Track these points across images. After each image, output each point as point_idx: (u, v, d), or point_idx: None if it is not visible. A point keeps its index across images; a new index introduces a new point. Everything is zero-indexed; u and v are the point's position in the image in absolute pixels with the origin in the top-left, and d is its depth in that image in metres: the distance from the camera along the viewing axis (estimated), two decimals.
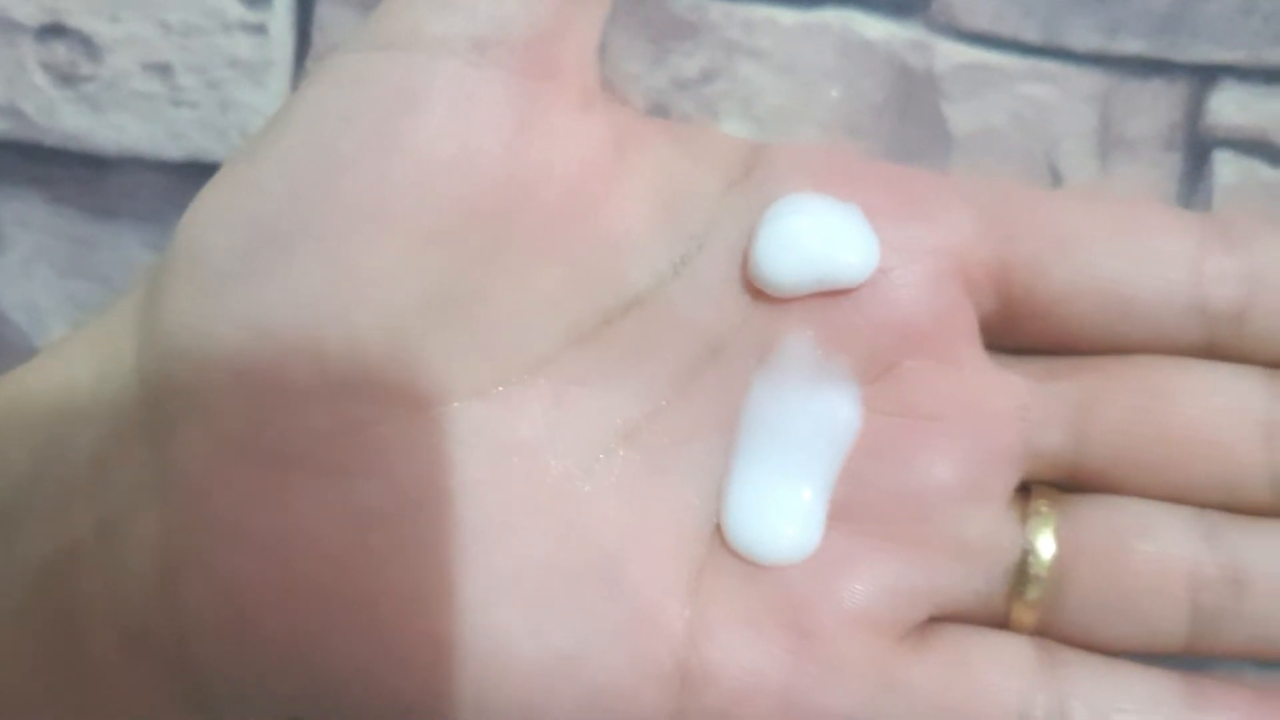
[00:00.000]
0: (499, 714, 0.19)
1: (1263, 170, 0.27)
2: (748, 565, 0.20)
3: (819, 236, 0.20)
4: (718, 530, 0.21)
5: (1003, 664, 0.20)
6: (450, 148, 0.19)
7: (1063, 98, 0.26)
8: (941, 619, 0.21)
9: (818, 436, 0.20)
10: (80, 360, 0.20)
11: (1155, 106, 0.27)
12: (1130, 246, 0.21)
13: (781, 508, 0.20)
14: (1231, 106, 0.27)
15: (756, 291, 0.20)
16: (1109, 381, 0.21)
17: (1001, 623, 0.21)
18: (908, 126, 0.27)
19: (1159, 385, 0.21)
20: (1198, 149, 0.27)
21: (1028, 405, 0.21)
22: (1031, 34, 0.26)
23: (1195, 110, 0.27)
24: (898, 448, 0.21)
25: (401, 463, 0.19)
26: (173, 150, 0.27)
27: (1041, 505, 0.21)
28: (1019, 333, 0.21)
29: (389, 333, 0.19)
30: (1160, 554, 0.20)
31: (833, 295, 0.20)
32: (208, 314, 0.19)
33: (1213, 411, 0.20)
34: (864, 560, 0.20)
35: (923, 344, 0.21)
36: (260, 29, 0.27)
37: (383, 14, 0.20)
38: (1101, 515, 0.21)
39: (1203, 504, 0.21)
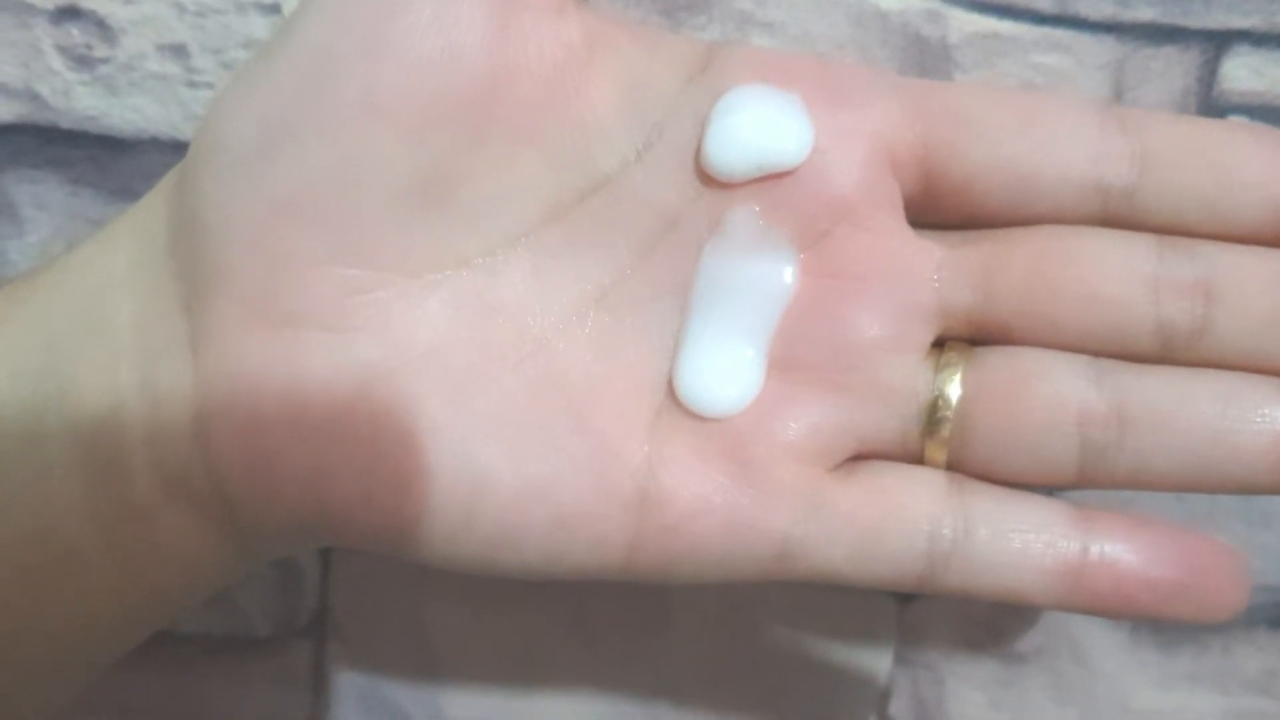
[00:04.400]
0: (484, 534, 0.22)
1: None
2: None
3: (760, 130, 0.22)
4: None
5: (917, 491, 0.23)
6: (435, 45, 0.21)
7: (1076, 66, 0.26)
8: (866, 456, 0.24)
9: (759, 296, 0.23)
10: (119, 243, 0.23)
11: (1168, 73, 0.27)
12: (1035, 130, 0.23)
13: (724, 371, 0.23)
14: (1245, 72, 0.27)
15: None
16: (1012, 246, 0.23)
17: (917, 459, 0.23)
18: None
19: (1057, 248, 0.23)
20: (1211, 115, 0.27)
21: (941, 268, 0.23)
22: (1044, 3, 0.26)
23: (1208, 77, 0.27)
24: (829, 305, 0.23)
25: (398, 322, 0.22)
26: (189, 131, 0.27)
27: (952, 356, 0.23)
28: (939, 209, 0.24)
29: (384, 209, 0.22)
30: (1054, 393, 0.22)
31: (775, 177, 0.23)
32: (229, 195, 0.21)
33: (1104, 270, 0.23)
34: (797, 403, 0.23)
35: (852, 215, 0.23)
36: (274, 9, 0.27)
37: None
38: (1004, 362, 0.23)
39: (1096, 353, 0.23)
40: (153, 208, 0.23)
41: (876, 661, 0.30)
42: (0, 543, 0.22)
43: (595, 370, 0.23)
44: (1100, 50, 0.26)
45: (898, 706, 0.30)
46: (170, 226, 0.22)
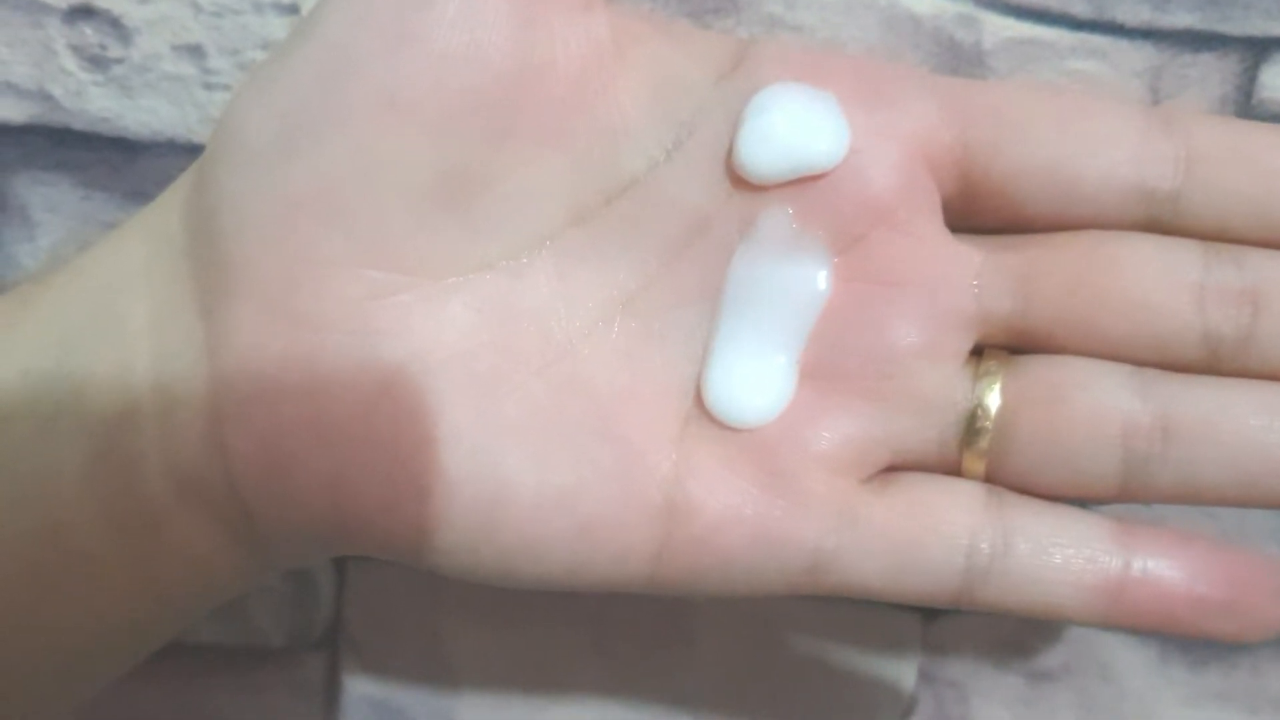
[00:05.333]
0: (505, 543, 0.22)
1: None
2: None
3: (794, 131, 0.22)
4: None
5: (955, 504, 0.22)
6: (460, 42, 0.21)
7: (1112, 72, 0.26)
8: (901, 467, 0.23)
9: (792, 302, 0.23)
10: (133, 243, 0.23)
11: (1206, 81, 0.26)
12: (1077, 131, 0.22)
13: (755, 380, 0.23)
14: None
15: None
16: (1054, 251, 0.23)
17: (954, 472, 0.23)
18: None
19: (1100, 254, 0.22)
20: None
21: (980, 273, 0.23)
22: (1080, 8, 0.26)
23: (1247, 84, 0.26)
24: (864, 311, 0.23)
25: (420, 325, 0.22)
26: (205, 134, 0.27)
27: (991, 365, 0.23)
28: (978, 213, 0.23)
29: (406, 209, 0.21)
30: (1096, 404, 0.22)
31: (809, 179, 0.22)
32: (248, 193, 0.21)
33: (1148, 277, 0.22)
34: (831, 412, 0.23)
35: (889, 218, 0.23)
36: (292, 9, 0.26)
37: None
38: (1045, 371, 0.23)
39: (1140, 362, 0.22)
40: (168, 207, 0.23)
41: (900, 678, 0.30)
42: (11, 542, 0.22)
43: (622, 377, 0.23)
44: (1137, 57, 0.26)
45: None
46: (186, 226, 0.22)
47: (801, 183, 0.22)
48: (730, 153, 0.22)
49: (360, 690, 0.30)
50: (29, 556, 0.22)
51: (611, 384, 0.22)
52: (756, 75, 0.23)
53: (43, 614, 0.22)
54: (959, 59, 0.26)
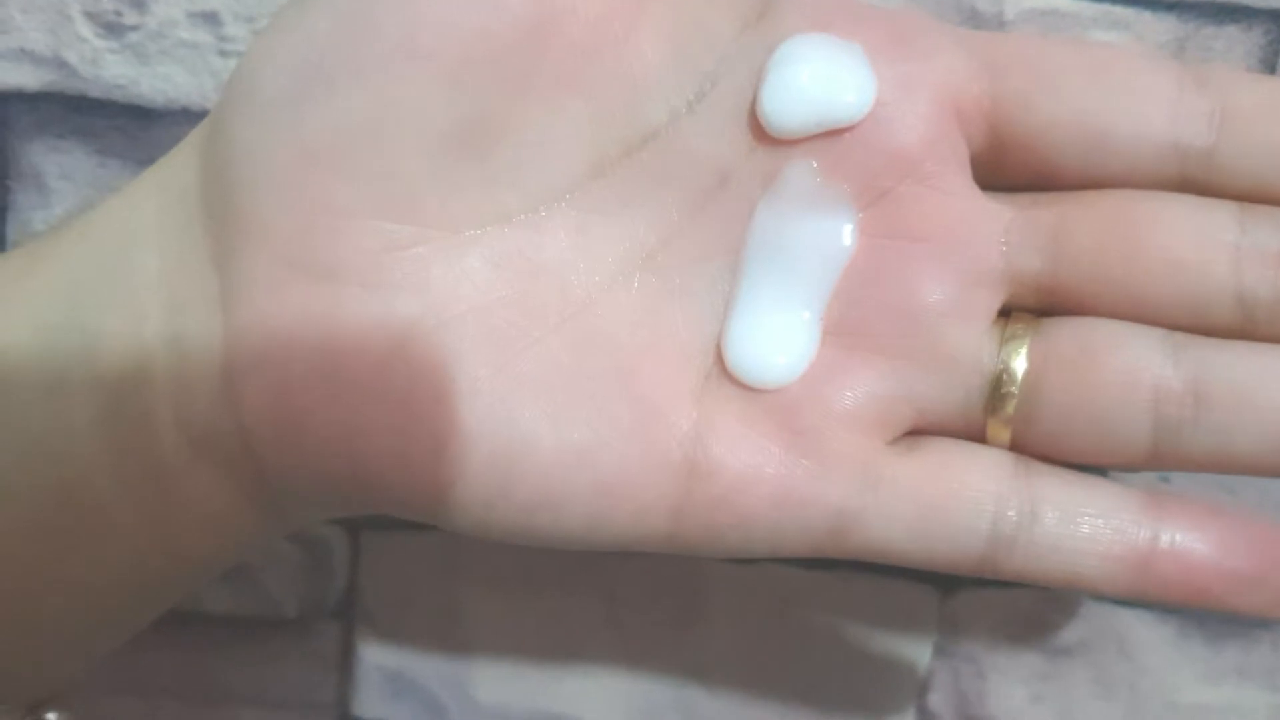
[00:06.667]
0: (523, 500, 0.22)
1: None
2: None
3: (819, 82, 0.22)
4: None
5: (982, 469, 0.22)
6: None
7: (1136, 44, 0.26)
8: (926, 430, 0.23)
9: (816, 257, 0.22)
10: (146, 196, 0.22)
11: (1230, 53, 0.26)
12: (1110, 85, 0.22)
13: (777, 338, 0.22)
14: None
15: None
16: (1085, 209, 0.22)
17: (979, 436, 0.23)
18: None
19: (1132, 212, 0.22)
20: None
21: (1009, 230, 0.22)
22: None
23: (1271, 58, 0.26)
24: (889, 267, 0.22)
25: (437, 279, 0.21)
26: None
27: (1018, 328, 0.23)
28: (1006, 168, 0.23)
29: (423, 159, 0.21)
30: (1127, 367, 0.22)
31: (834, 131, 0.22)
32: (262, 143, 0.21)
33: (1182, 236, 0.22)
34: (854, 370, 0.22)
35: (916, 171, 0.22)
36: None
37: None
38: (1074, 333, 0.22)
39: (1172, 325, 0.22)
40: (182, 160, 0.22)
41: (916, 653, 0.30)
42: (22, 499, 0.22)
43: (642, 333, 0.22)
44: (1161, 28, 0.26)
45: (937, 699, 0.30)
46: (201, 178, 0.22)
47: (826, 135, 0.22)
48: (754, 105, 0.22)
49: (374, 660, 0.30)
50: (40, 514, 0.22)
51: (631, 340, 0.22)
52: (781, 25, 0.22)
53: (55, 571, 0.22)
54: (980, 29, 0.26)
